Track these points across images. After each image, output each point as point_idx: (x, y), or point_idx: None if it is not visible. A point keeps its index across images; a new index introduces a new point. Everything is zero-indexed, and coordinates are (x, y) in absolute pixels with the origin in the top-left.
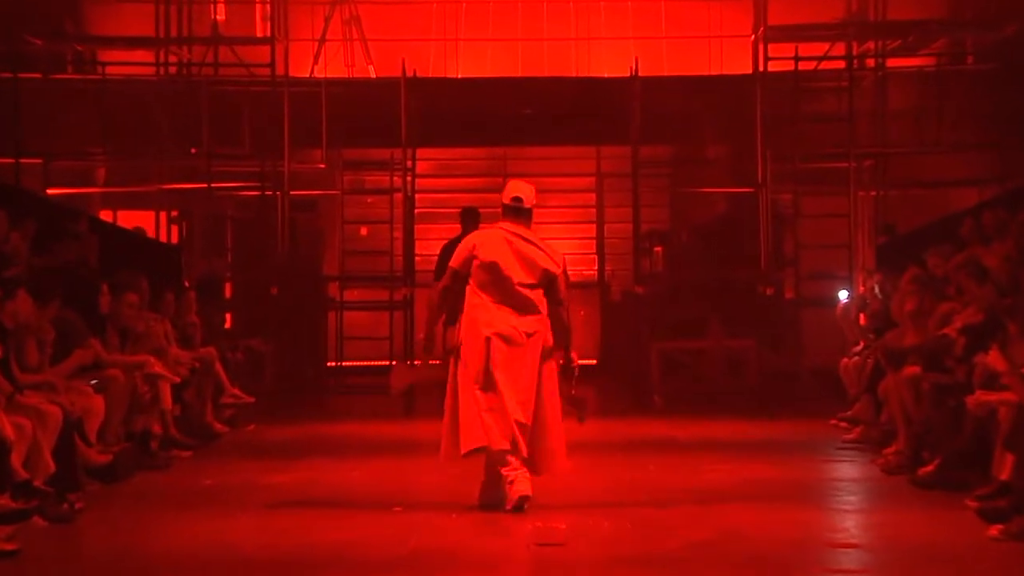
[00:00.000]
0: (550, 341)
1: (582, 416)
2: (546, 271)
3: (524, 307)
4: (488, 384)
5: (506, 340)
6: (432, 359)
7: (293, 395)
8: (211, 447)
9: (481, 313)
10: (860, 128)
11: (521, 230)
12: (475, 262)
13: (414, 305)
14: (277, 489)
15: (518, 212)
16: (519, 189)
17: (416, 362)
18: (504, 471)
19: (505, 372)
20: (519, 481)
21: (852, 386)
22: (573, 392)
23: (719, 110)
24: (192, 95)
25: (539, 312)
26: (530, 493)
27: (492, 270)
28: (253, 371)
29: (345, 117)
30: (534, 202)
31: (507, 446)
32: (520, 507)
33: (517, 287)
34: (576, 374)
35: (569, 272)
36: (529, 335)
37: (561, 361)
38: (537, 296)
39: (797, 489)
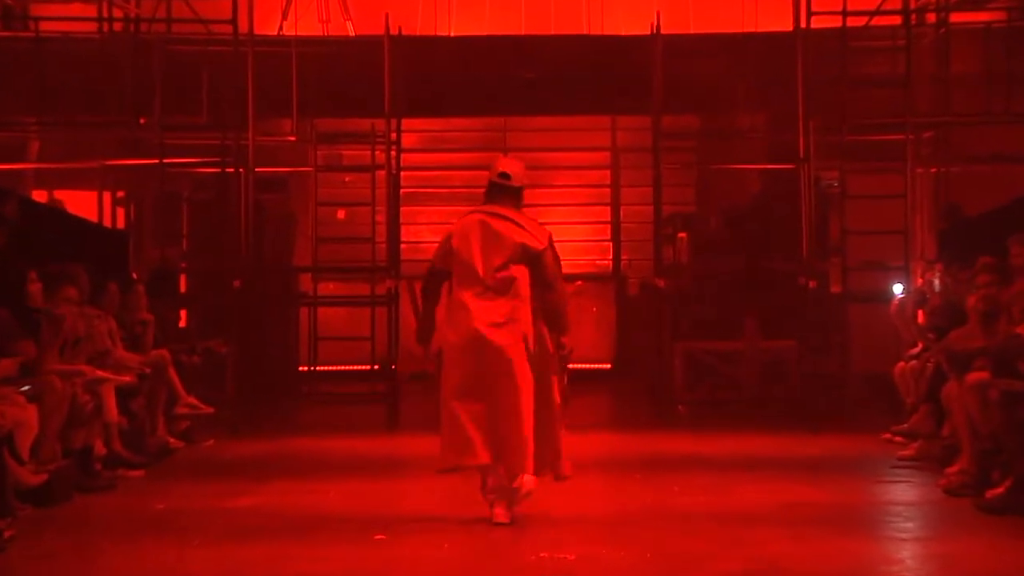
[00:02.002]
0: (529, 330)
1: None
2: (523, 246)
3: (498, 292)
4: (462, 394)
5: (475, 347)
6: (428, 354)
7: (259, 405)
8: (163, 465)
9: (454, 315)
10: (918, 94)
11: (499, 209)
12: (451, 254)
13: (399, 301)
14: (240, 514)
15: (502, 191)
16: (508, 165)
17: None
18: (489, 493)
19: (477, 382)
20: (497, 508)
21: (909, 394)
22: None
23: (754, 74)
24: (141, 56)
25: (517, 296)
26: (506, 521)
27: (461, 260)
28: (212, 377)
29: (319, 82)
30: (525, 181)
31: (487, 460)
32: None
33: (488, 273)
34: (568, 362)
35: (563, 260)
36: (502, 324)
37: (552, 349)
38: (513, 278)
39: (844, 514)
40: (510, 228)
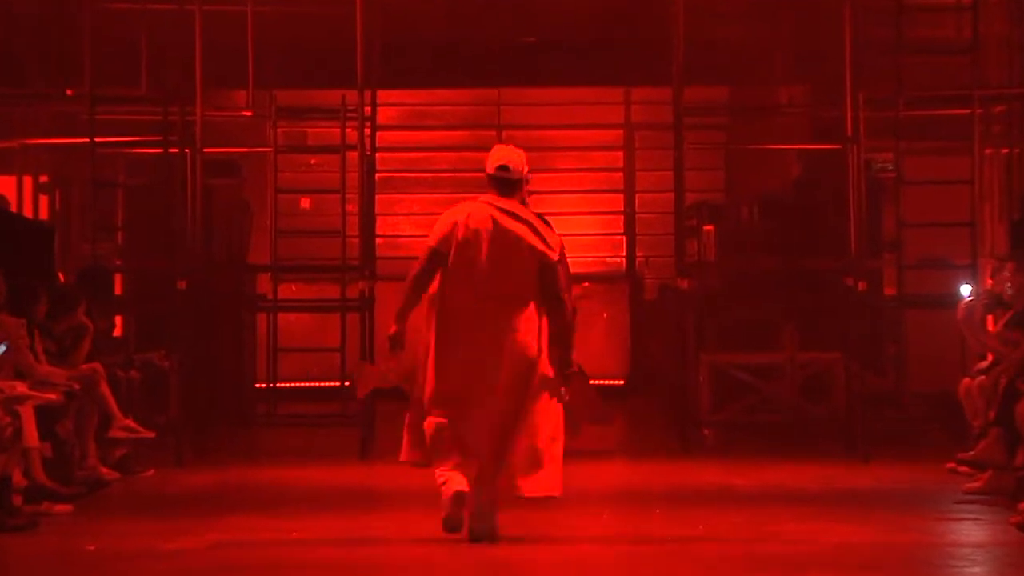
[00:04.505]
0: (534, 344)
1: (601, 419)
2: (541, 258)
3: (506, 301)
4: (461, 405)
5: (473, 355)
6: (400, 361)
7: (208, 429)
8: (95, 499)
9: (450, 320)
10: (987, 62)
11: (511, 206)
12: (455, 242)
13: (374, 305)
14: (185, 558)
15: (505, 184)
16: (505, 156)
17: (379, 367)
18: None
19: (469, 395)
20: (451, 480)
21: (976, 416)
22: (574, 399)
23: (793, 38)
24: (68, 16)
25: (526, 307)
26: (465, 489)
27: (470, 254)
28: (153, 395)
29: (280, 47)
30: (526, 171)
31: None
32: (458, 507)
33: (498, 277)
34: (579, 379)
35: (568, 257)
36: (507, 337)
37: (564, 369)
38: (525, 287)
39: (901, 557)
40: (526, 233)
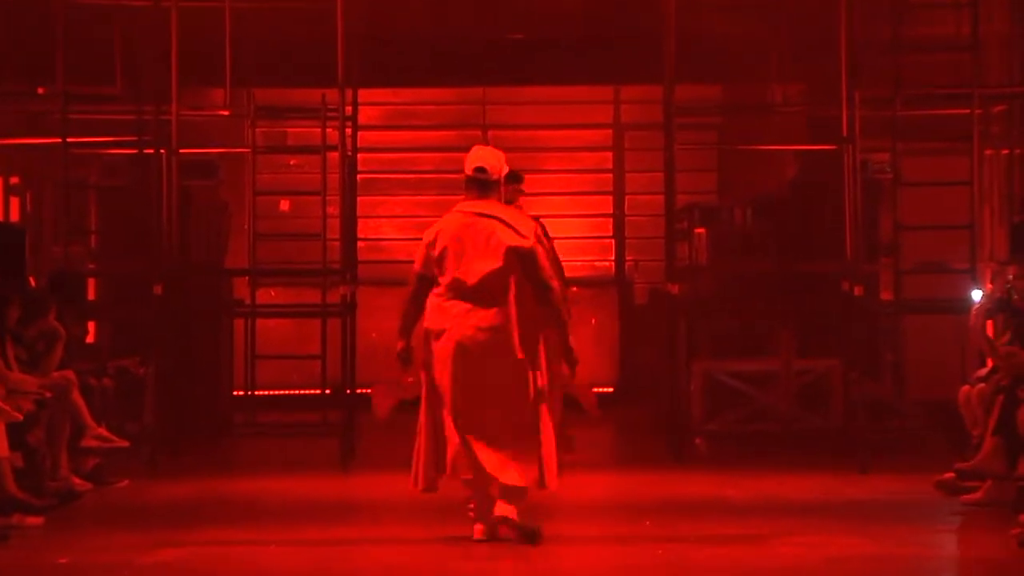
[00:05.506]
0: (519, 343)
1: (568, 446)
2: (514, 249)
3: (485, 300)
4: (454, 405)
5: (461, 350)
6: (410, 374)
7: (184, 438)
8: (67, 511)
9: (435, 318)
10: (987, 60)
11: (483, 206)
12: (433, 263)
13: (356, 310)
14: (160, 571)
15: (483, 186)
16: (482, 157)
17: (394, 381)
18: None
19: (461, 389)
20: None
21: (976, 425)
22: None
23: (788, 34)
24: (40, 12)
25: (505, 304)
26: (484, 538)
27: (449, 267)
28: (127, 404)
29: (258, 44)
30: (503, 172)
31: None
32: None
33: (479, 280)
34: (575, 366)
35: (570, 262)
36: (490, 333)
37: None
38: (503, 283)
39: (899, 571)
40: (497, 228)
